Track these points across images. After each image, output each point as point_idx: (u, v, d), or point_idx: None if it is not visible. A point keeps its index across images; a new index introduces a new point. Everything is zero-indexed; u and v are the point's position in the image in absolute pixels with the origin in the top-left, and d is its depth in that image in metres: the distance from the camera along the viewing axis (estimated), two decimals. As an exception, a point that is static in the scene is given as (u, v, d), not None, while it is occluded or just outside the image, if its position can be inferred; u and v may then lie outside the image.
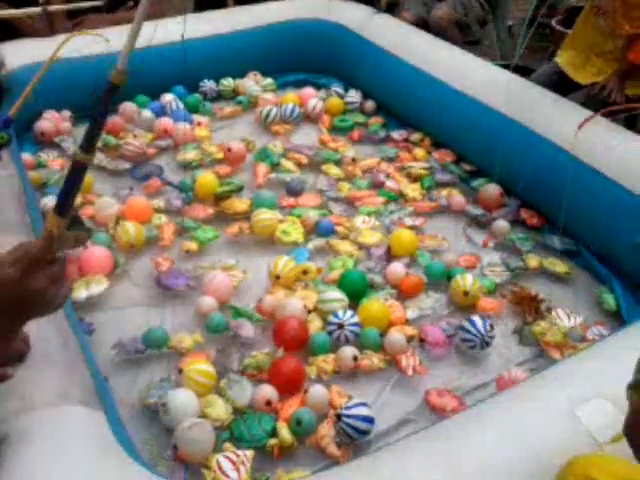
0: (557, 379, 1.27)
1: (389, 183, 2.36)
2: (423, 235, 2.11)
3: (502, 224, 2.13)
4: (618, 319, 1.80)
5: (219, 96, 2.93)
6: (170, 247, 2.01)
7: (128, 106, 2.65)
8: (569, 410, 1.15)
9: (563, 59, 2.46)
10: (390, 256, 2.01)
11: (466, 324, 1.69)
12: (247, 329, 1.67)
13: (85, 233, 0.98)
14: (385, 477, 1.04)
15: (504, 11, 3.54)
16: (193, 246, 2.00)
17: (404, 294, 1.86)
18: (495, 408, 1.23)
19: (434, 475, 1.05)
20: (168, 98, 2.71)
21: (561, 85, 2.39)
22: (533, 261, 1.99)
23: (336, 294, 1.77)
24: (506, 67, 2.59)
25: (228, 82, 2.93)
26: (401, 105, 2.74)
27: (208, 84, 2.90)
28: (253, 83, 2.92)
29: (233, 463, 1.29)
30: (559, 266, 1.98)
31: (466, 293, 1.80)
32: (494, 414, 1.20)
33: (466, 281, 1.81)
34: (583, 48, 2.41)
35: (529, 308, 1.81)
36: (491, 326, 1.68)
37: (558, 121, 2.09)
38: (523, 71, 2.59)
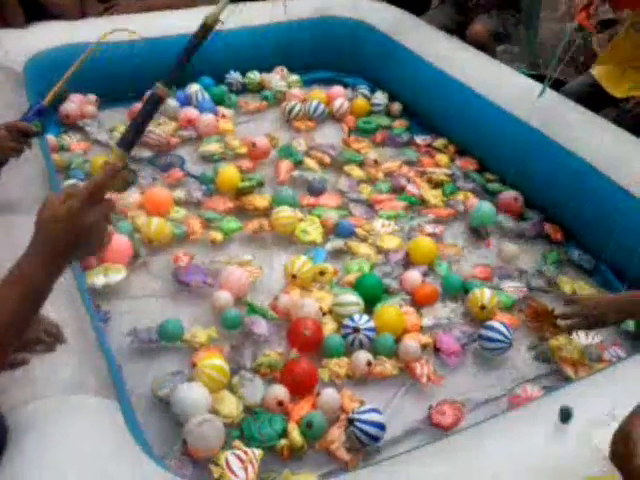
0: (572, 400, 1.26)
1: (410, 187, 2.35)
2: (442, 243, 2.09)
3: (510, 248, 2.09)
4: (637, 341, 1.78)
5: (244, 89, 2.91)
6: (199, 240, 2.01)
7: (153, 94, 2.64)
8: (584, 432, 1.14)
9: (599, 72, 2.44)
10: (408, 262, 2.00)
11: (486, 331, 1.69)
12: (261, 326, 1.67)
13: (133, 175, 1.00)
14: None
15: (536, 21, 3.51)
16: (219, 237, 2.00)
17: (419, 302, 1.85)
18: (507, 425, 1.22)
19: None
20: (194, 88, 2.70)
21: (595, 98, 2.37)
22: (566, 285, 1.94)
23: (353, 297, 1.76)
24: (535, 77, 2.56)
25: (254, 75, 2.92)
26: (427, 110, 2.72)
27: (234, 75, 2.89)
28: (279, 78, 2.91)
29: (242, 461, 1.29)
30: (587, 290, 1.94)
31: (483, 307, 1.78)
32: (506, 431, 1.19)
33: (484, 295, 1.80)
34: (621, 62, 2.39)
35: (547, 323, 1.79)
36: (508, 329, 1.69)
37: (587, 137, 2.06)
38: (552, 83, 2.56)
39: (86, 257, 0.91)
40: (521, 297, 1.90)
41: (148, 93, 1.04)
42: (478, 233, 2.17)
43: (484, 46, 2.89)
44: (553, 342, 1.71)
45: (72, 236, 0.87)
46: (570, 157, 2.07)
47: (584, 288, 1.95)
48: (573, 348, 1.69)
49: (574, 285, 1.95)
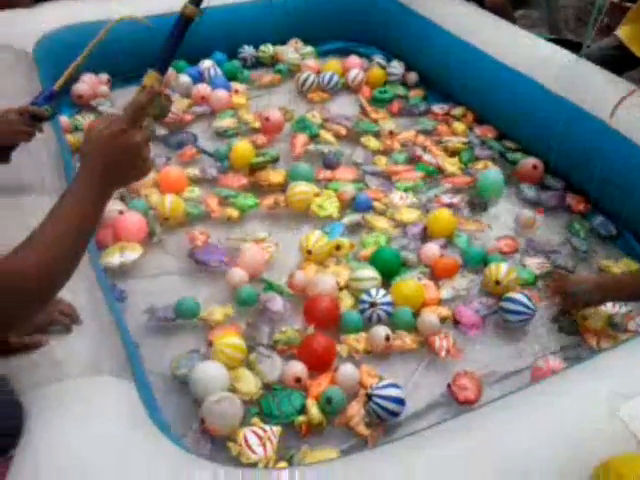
0: (597, 372, 1.22)
1: (426, 157, 2.30)
2: (465, 218, 2.04)
3: (525, 214, 2.03)
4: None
5: (258, 63, 2.87)
6: (215, 217, 1.99)
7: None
8: (610, 406, 1.10)
9: (624, 33, 2.34)
10: (426, 235, 1.96)
11: (507, 304, 1.66)
12: (277, 303, 1.65)
13: (168, 100, 1.01)
14: (414, 467, 1.01)
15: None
16: (235, 213, 1.98)
17: (438, 275, 1.82)
18: (530, 399, 1.18)
19: (466, 467, 1.01)
20: (207, 64, 2.67)
21: (621, 60, 2.28)
22: (614, 268, 1.87)
23: (369, 272, 1.73)
24: (556, 41, 2.48)
25: (267, 48, 2.87)
26: (445, 78, 2.65)
27: (247, 50, 2.84)
28: (292, 50, 2.86)
29: (260, 438, 1.29)
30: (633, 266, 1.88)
31: (498, 282, 1.74)
32: (529, 406, 1.15)
33: (500, 270, 1.75)
34: None
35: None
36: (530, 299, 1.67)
37: (609, 100, 1.99)
38: (574, 46, 2.48)
39: (132, 182, 0.97)
40: (544, 273, 1.84)
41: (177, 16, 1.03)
42: (474, 205, 2.10)
43: (502, 11, 2.80)
44: (578, 313, 1.67)
45: (120, 157, 0.90)
46: (592, 121, 2.00)
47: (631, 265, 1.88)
48: (598, 318, 1.65)
49: (618, 266, 1.87)
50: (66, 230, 0.89)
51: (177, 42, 1.01)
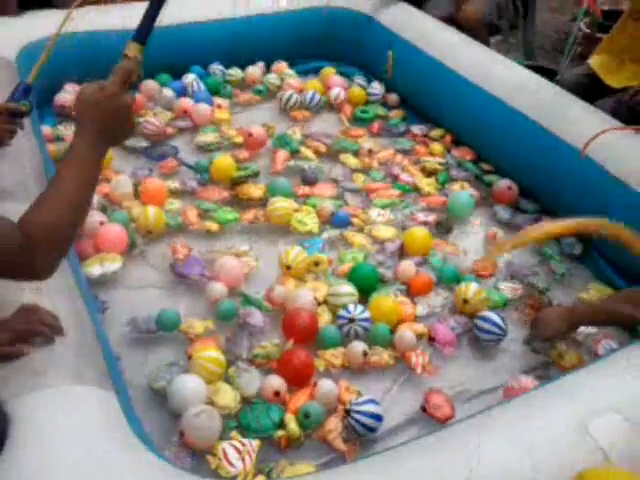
0: (568, 390, 1.27)
1: (403, 176, 2.35)
2: (442, 240, 2.08)
3: (497, 232, 2.09)
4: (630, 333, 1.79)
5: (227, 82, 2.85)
6: (195, 230, 2.00)
7: (150, 84, 2.62)
8: (580, 423, 1.14)
9: (596, 62, 2.43)
10: (403, 252, 2.00)
11: (481, 322, 1.70)
12: (256, 317, 1.67)
13: (142, 70, 1.07)
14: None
15: (533, 15, 3.49)
16: (214, 227, 2.00)
17: (414, 292, 1.86)
18: (502, 416, 1.22)
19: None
20: (190, 78, 2.69)
21: (592, 89, 2.36)
22: (585, 295, 1.88)
23: (347, 288, 1.76)
24: (531, 67, 2.56)
25: (235, 72, 2.82)
26: (424, 100, 2.72)
27: (217, 68, 2.82)
28: (261, 73, 2.86)
29: (239, 452, 1.30)
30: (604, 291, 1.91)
31: (466, 301, 1.77)
32: (501, 423, 1.19)
33: (469, 289, 1.78)
34: (618, 53, 2.38)
35: None
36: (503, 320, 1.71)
37: (584, 128, 2.06)
38: (548, 73, 2.57)
39: (123, 140, 1.09)
40: (517, 297, 1.88)
41: None
42: (441, 225, 2.13)
43: (475, 29, 2.88)
44: (553, 353, 1.69)
45: (114, 115, 1.00)
46: (566, 148, 2.07)
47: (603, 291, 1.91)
48: (572, 355, 1.67)
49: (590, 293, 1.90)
50: (70, 191, 0.97)
51: (156, 13, 1.07)
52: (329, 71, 2.91)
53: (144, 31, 1.06)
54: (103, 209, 2.01)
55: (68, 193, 0.97)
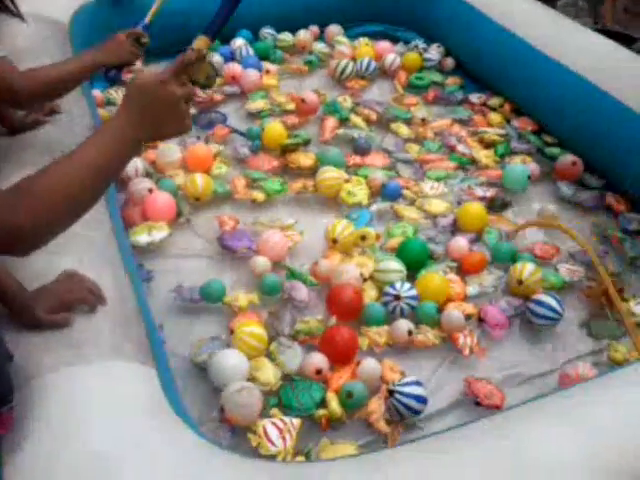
0: (629, 381, 1.18)
1: (460, 147, 2.25)
2: (499, 216, 1.98)
3: (549, 209, 1.97)
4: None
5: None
6: (242, 199, 1.97)
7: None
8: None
9: None
10: (456, 228, 1.92)
11: (534, 306, 1.62)
12: (301, 292, 1.63)
13: (213, 69, 1.04)
14: (438, 468, 0.99)
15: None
16: (260, 197, 1.96)
17: (465, 270, 1.78)
18: (561, 402, 1.13)
19: (489, 473, 0.98)
20: (239, 43, 2.63)
21: None
22: None
23: (395, 265, 1.71)
24: (603, 32, 2.39)
25: (287, 37, 2.73)
26: (484, 66, 2.58)
27: (269, 32, 2.75)
28: (312, 38, 2.77)
29: (280, 431, 1.28)
30: None
31: (520, 282, 1.68)
32: (559, 412, 1.11)
33: (524, 270, 1.69)
34: None
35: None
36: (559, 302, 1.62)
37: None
38: (623, 39, 2.39)
39: (166, 136, 0.97)
40: (575, 279, 1.77)
41: None
42: (497, 200, 2.02)
43: None
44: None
45: (156, 106, 0.90)
46: (637, 120, 1.93)
47: None
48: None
49: None
50: (77, 174, 0.85)
51: (230, 11, 1.06)
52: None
53: (215, 27, 1.03)
54: (149, 176, 2.00)
55: (73, 177, 0.85)
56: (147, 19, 1.71)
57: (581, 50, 2.21)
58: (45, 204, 0.83)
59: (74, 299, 1.16)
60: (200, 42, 1.00)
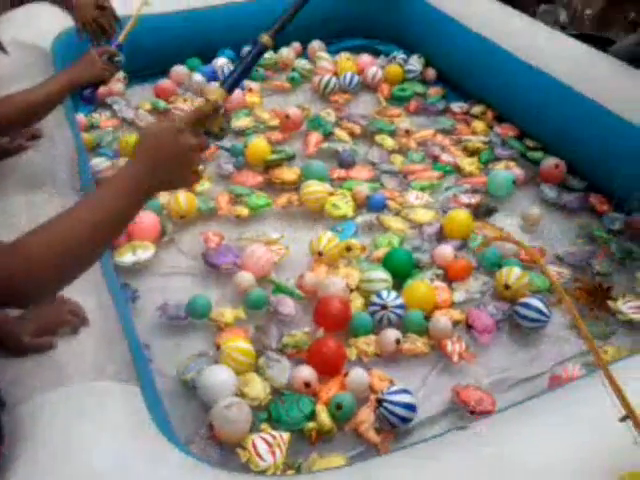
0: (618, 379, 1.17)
1: (444, 156, 2.27)
2: (484, 223, 1.98)
3: (534, 211, 1.98)
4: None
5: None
6: (226, 215, 1.98)
7: (179, 69, 2.60)
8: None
9: None
10: (442, 236, 1.93)
11: (521, 309, 1.62)
12: (287, 305, 1.63)
13: (227, 124, 1.03)
14: (428, 475, 0.98)
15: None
16: (244, 212, 1.96)
17: (451, 277, 1.78)
18: (548, 407, 1.14)
19: (481, 477, 0.98)
20: (221, 62, 2.64)
21: None
22: None
23: (381, 274, 1.71)
24: (580, 37, 2.42)
25: (268, 54, 2.71)
26: (464, 75, 2.61)
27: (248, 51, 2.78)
28: (294, 54, 2.80)
29: (269, 445, 1.27)
30: None
31: (507, 287, 1.69)
32: (547, 414, 1.11)
33: (511, 274, 1.69)
34: None
35: (598, 300, 1.71)
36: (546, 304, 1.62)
37: (633, 98, 1.93)
38: (596, 41, 2.42)
39: (175, 187, 0.95)
40: (562, 281, 1.77)
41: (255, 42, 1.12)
42: (482, 207, 2.03)
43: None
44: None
45: (168, 155, 0.89)
46: (617, 121, 1.95)
47: None
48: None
49: None
50: (79, 227, 0.83)
51: (249, 67, 1.07)
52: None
53: (233, 80, 1.03)
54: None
55: (75, 232, 0.82)
56: (120, 39, 1.72)
57: (558, 56, 2.24)
58: (40, 261, 0.81)
59: (58, 322, 1.16)
60: (216, 94, 0.99)
